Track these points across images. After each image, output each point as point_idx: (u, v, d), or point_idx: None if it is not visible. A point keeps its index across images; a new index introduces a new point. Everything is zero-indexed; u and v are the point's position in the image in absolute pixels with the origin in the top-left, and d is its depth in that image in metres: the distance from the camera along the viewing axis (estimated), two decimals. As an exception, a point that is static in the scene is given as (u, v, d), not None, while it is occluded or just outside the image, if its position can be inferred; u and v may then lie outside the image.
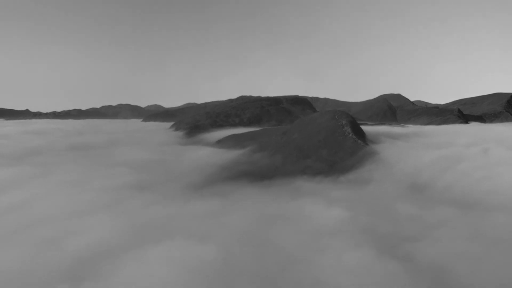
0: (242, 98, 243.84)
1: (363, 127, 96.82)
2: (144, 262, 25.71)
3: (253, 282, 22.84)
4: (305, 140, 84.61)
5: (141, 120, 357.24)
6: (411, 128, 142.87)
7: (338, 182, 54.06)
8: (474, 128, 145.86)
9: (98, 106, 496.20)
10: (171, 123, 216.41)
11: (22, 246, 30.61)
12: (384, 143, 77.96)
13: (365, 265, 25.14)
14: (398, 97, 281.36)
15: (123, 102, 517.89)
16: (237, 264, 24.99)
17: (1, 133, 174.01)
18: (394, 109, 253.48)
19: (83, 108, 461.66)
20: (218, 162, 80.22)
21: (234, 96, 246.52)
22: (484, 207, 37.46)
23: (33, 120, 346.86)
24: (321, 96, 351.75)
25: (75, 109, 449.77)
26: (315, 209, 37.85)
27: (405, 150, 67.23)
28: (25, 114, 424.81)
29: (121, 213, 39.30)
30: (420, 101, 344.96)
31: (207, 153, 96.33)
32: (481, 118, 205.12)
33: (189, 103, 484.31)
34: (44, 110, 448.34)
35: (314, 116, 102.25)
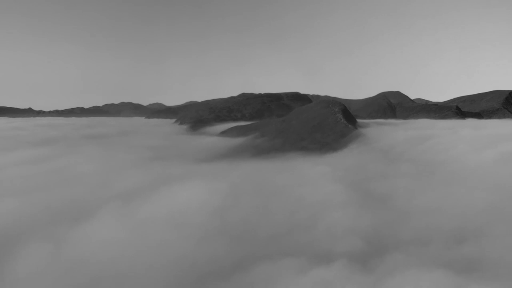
0: (243, 94, 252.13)
1: (360, 122, 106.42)
2: (173, 190, 35.56)
3: (254, 198, 32.88)
4: (302, 125, 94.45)
5: (144, 117, 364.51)
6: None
7: (326, 154, 63.68)
8: (463, 120, 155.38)
9: (100, 104, 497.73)
10: (175, 119, 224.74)
11: (76, 187, 40.38)
12: (371, 127, 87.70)
13: (334, 192, 35.02)
14: (398, 94, 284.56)
15: (125, 101, 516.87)
16: (242, 190, 35.13)
17: (16, 126, 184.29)
18: (393, 106, 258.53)
19: (86, 106, 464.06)
20: (223, 146, 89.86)
21: (235, 94, 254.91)
22: (435, 166, 47.54)
23: (38, 118, 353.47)
24: (322, 93, 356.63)
25: (78, 107, 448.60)
26: (303, 166, 47.89)
27: (387, 132, 77.03)
28: (28, 112, 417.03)
29: (147, 170, 49.24)
30: (420, 99, 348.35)
31: (212, 140, 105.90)
32: (479, 115, 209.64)
33: (191, 101, 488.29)
34: (47, 108, 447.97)
35: (310, 105, 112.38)
